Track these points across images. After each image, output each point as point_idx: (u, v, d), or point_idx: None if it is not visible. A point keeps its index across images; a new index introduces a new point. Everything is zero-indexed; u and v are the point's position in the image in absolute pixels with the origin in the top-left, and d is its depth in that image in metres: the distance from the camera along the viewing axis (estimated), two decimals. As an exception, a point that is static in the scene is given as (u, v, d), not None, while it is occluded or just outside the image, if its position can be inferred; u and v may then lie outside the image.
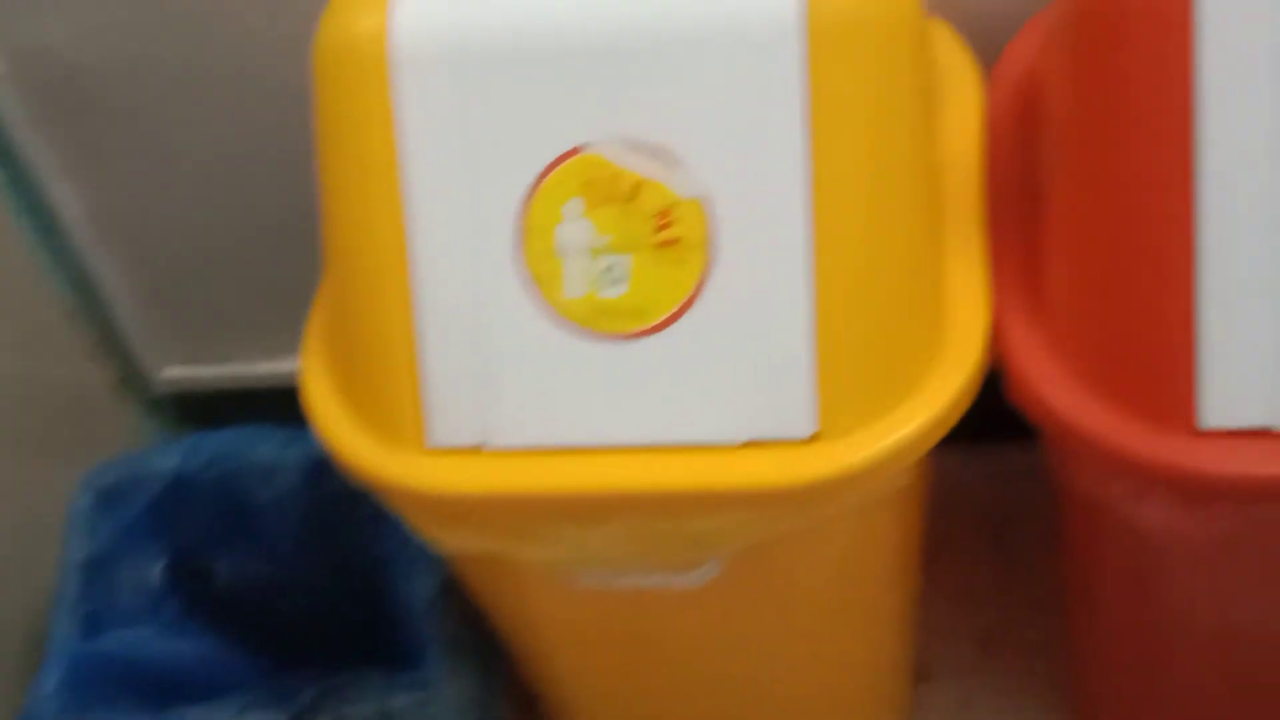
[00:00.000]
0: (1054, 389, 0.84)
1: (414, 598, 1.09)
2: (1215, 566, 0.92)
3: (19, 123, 1.25)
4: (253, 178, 1.28)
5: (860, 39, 0.79)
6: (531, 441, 0.86)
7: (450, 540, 0.92)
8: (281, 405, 1.04)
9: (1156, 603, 0.99)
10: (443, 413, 0.86)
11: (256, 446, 1.18)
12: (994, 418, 0.87)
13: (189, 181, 1.31)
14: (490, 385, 0.85)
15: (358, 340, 0.89)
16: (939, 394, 0.85)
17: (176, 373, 1.50)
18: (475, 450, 0.86)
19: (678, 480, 0.84)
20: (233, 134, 1.26)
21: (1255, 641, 1.00)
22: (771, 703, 1.16)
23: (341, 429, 0.90)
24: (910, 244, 0.84)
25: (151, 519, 1.19)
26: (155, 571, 1.20)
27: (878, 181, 0.82)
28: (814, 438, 0.83)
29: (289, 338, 1.01)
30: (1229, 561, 0.91)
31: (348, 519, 1.14)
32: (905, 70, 0.82)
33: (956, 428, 0.86)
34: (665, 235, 0.82)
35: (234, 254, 1.38)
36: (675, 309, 0.83)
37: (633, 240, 0.82)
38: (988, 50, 1.00)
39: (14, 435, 1.33)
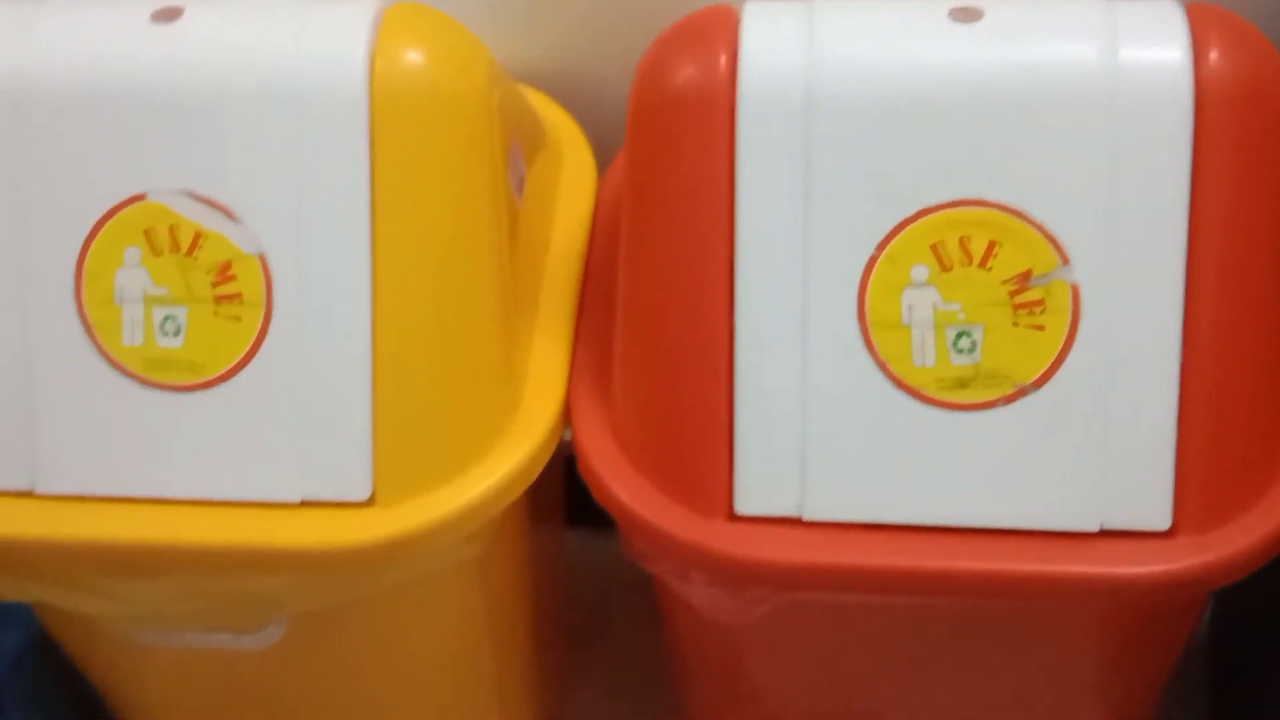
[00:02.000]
0: (613, 473, 0.86)
1: (1, 654, 1.05)
2: (773, 650, 0.95)
3: None
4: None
5: (426, 108, 0.81)
6: (81, 488, 0.84)
7: (3, 586, 0.89)
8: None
9: (736, 686, 1.02)
10: (-14, 455, 0.84)
11: None
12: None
13: None
14: (42, 430, 0.84)
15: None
16: (501, 465, 0.86)
17: None
18: (23, 494, 0.84)
19: (226, 535, 0.83)
20: None
21: (835, 714, 1.03)
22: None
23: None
24: (480, 318, 0.85)
25: None
26: None
27: (444, 253, 0.83)
28: (370, 501, 0.83)
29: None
30: (784, 644, 0.94)
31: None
32: (476, 141, 0.83)
33: None
34: (225, 290, 0.82)
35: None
36: (233, 364, 0.83)
37: (191, 293, 0.82)
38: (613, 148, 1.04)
39: None
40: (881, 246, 0.79)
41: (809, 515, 0.81)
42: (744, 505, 0.82)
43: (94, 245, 0.82)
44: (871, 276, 0.79)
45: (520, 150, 0.92)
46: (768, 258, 0.80)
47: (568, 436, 0.93)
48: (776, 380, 0.81)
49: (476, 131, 0.83)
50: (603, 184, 1.02)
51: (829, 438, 0.81)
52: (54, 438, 0.84)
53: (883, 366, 0.80)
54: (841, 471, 0.81)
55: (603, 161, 1.05)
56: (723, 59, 0.78)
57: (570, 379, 0.90)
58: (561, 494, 1.27)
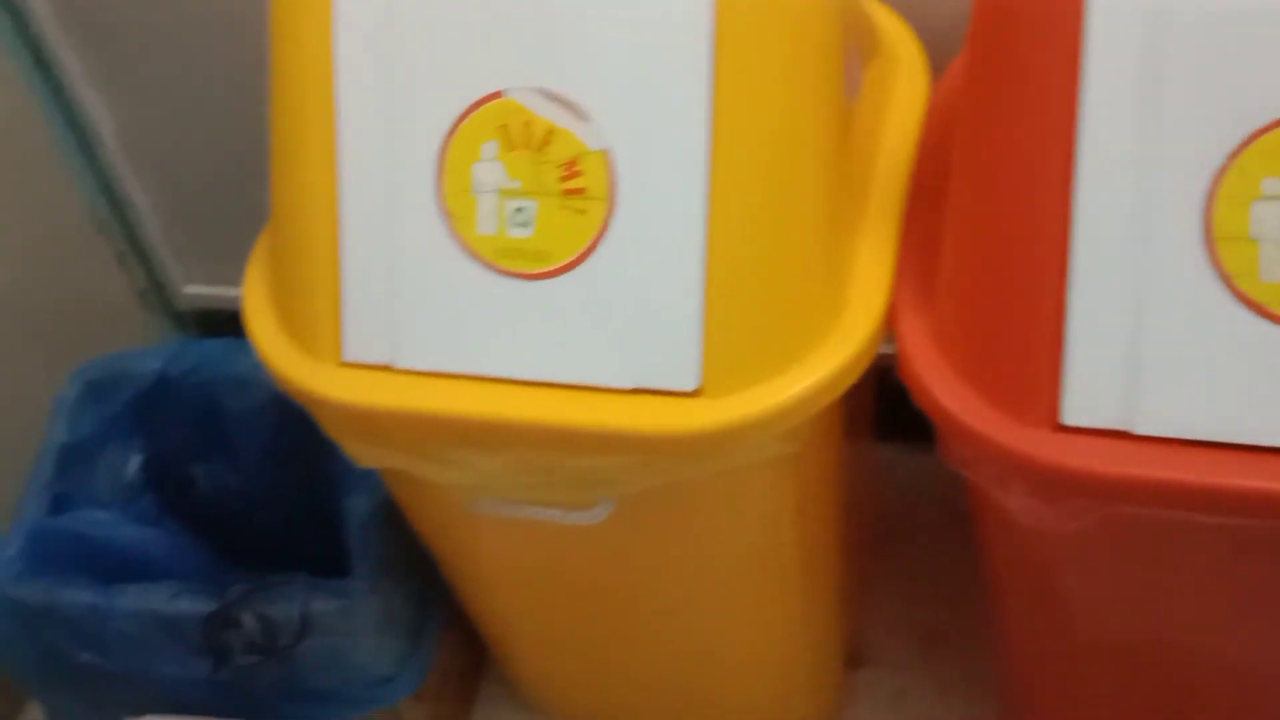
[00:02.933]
0: (934, 376, 0.87)
1: (352, 514, 1.15)
2: (1090, 566, 0.94)
3: (58, 38, 1.34)
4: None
5: (766, 12, 0.83)
6: (434, 365, 0.91)
7: (361, 452, 0.97)
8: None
9: (1048, 602, 1.01)
10: (357, 330, 0.92)
11: (234, 359, 1.25)
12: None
13: (218, 103, 1.38)
14: (401, 308, 0.90)
15: (291, 260, 0.95)
16: (823, 364, 0.88)
17: (198, 290, 1.59)
18: (383, 368, 0.92)
19: (562, 416, 0.88)
20: (265, 59, 1.33)
21: (1144, 644, 1.01)
22: (688, 659, 1.19)
23: (274, 344, 0.96)
24: (811, 218, 0.87)
25: (132, 416, 1.27)
26: (130, 466, 1.28)
27: (779, 151, 0.85)
28: (696, 392, 0.87)
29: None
30: (1102, 561, 0.93)
31: (308, 436, 1.19)
32: (816, 42, 0.85)
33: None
34: (572, 184, 0.87)
35: (260, 179, 1.46)
36: (576, 255, 0.87)
37: (541, 186, 0.87)
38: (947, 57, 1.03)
39: (40, 335, 1.42)
40: (1232, 158, 0.76)
41: (1140, 429, 0.80)
42: (1071, 415, 0.81)
43: (455, 139, 0.88)
44: (1219, 188, 0.77)
45: (856, 54, 0.93)
46: (1110, 167, 0.78)
47: (884, 349, 0.95)
48: (1112, 290, 0.79)
49: (815, 33, 0.84)
50: (935, 92, 1.02)
51: (1165, 351, 0.79)
52: (412, 317, 0.91)
53: (1227, 281, 0.77)
54: (1176, 387, 0.79)
55: (936, 70, 1.04)
56: (1074, -40, 0.77)
57: (894, 283, 0.91)
58: (874, 403, 1.29)
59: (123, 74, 1.38)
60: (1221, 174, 0.77)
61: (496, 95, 0.87)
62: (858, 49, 0.95)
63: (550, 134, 0.86)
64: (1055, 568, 0.96)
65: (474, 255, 0.89)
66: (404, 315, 0.91)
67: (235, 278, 1.63)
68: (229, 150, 1.42)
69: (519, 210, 0.88)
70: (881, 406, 1.30)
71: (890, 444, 1.39)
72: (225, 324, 1.58)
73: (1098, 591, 0.98)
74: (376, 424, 0.93)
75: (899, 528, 1.45)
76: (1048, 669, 1.14)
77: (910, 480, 1.45)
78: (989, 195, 0.84)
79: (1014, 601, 1.06)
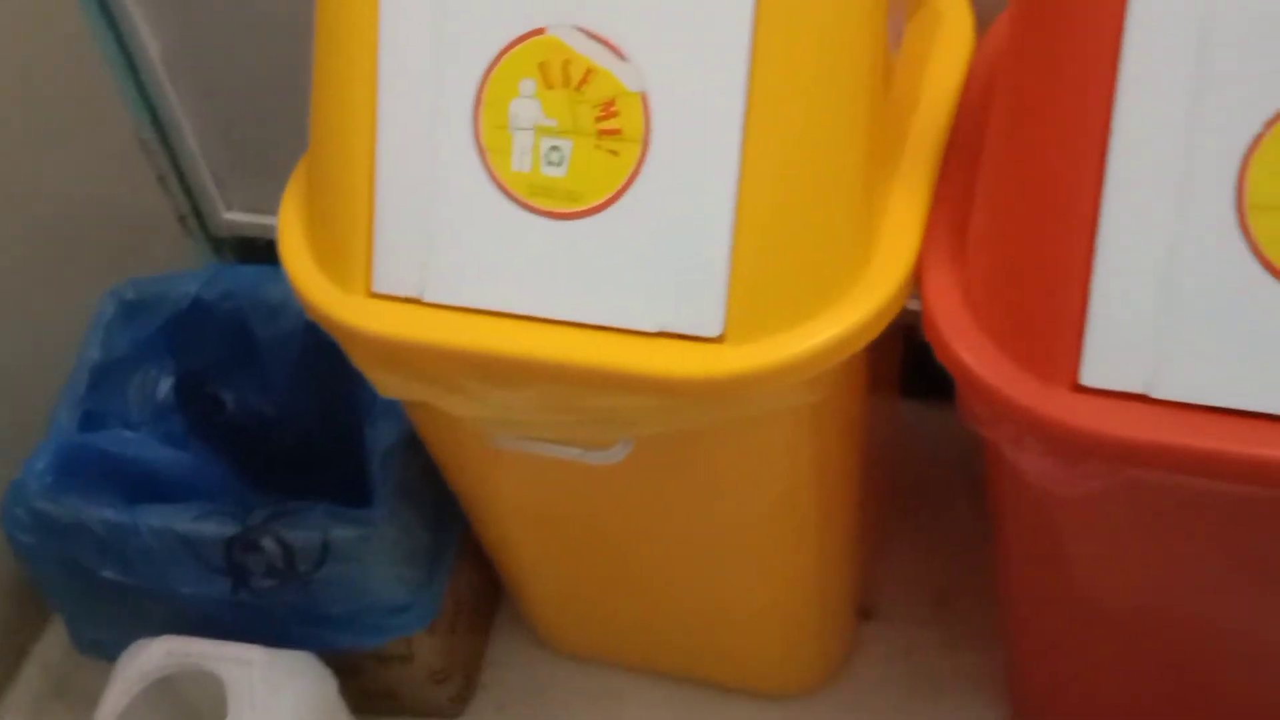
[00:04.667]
0: (957, 330, 0.87)
1: (376, 443, 1.16)
2: (1102, 530, 0.94)
3: (107, -44, 1.35)
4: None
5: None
6: (462, 300, 0.91)
7: (386, 383, 0.98)
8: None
9: (1058, 564, 1.02)
10: (388, 262, 0.93)
11: (267, 285, 1.26)
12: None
13: (264, 29, 1.39)
14: (433, 242, 0.91)
15: (326, 190, 0.96)
16: (848, 315, 0.88)
17: (237, 217, 1.60)
18: (412, 301, 0.93)
19: (585, 357, 0.89)
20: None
21: (1151, 609, 1.02)
22: (699, 604, 1.21)
23: (306, 272, 0.97)
24: (845, 168, 0.87)
25: (166, 338, 1.28)
26: (161, 387, 1.29)
27: (817, 99, 0.85)
28: (720, 338, 0.88)
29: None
30: (1114, 526, 0.93)
31: (335, 365, 1.21)
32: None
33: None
34: (607, 125, 0.87)
35: (303, 108, 1.47)
36: (608, 196, 0.88)
37: (577, 125, 0.87)
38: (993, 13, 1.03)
39: (80, 253, 1.44)
40: (1269, 125, 0.76)
41: (1159, 393, 0.80)
42: (1090, 377, 0.82)
43: (494, 74, 0.88)
44: (1254, 157, 0.77)
45: (900, 5, 0.92)
46: (1147, 130, 0.78)
47: (911, 305, 0.95)
48: (1140, 253, 0.79)
49: (864, -14, 0.84)
50: (979, 47, 1.01)
51: (1190, 316, 0.79)
52: (442, 251, 0.91)
53: (1256, 250, 0.77)
54: (1199, 352, 0.79)
55: (981, 25, 1.04)
56: (1121, -82, 0.76)
57: (925, 237, 0.92)
58: (898, 360, 1.29)
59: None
60: (1257, 143, 0.76)
61: (538, 32, 0.87)
62: (904, 2, 0.95)
63: (589, 73, 0.86)
64: (1067, 530, 0.97)
65: (507, 192, 0.89)
66: (435, 249, 0.91)
67: (274, 206, 1.64)
68: (273, 76, 1.42)
69: (553, 149, 0.88)
70: (908, 364, 1.31)
71: (915, 402, 1.40)
72: (263, 251, 1.60)
73: (1108, 555, 0.98)
74: (403, 356, 0.94)
75: (918, 486, 1.45)
76: (1055, 631, 1.14)
77: (933, 439, 1.45)
78: (1025, 152, 0.84)
79: (1024, 563, 1.07)
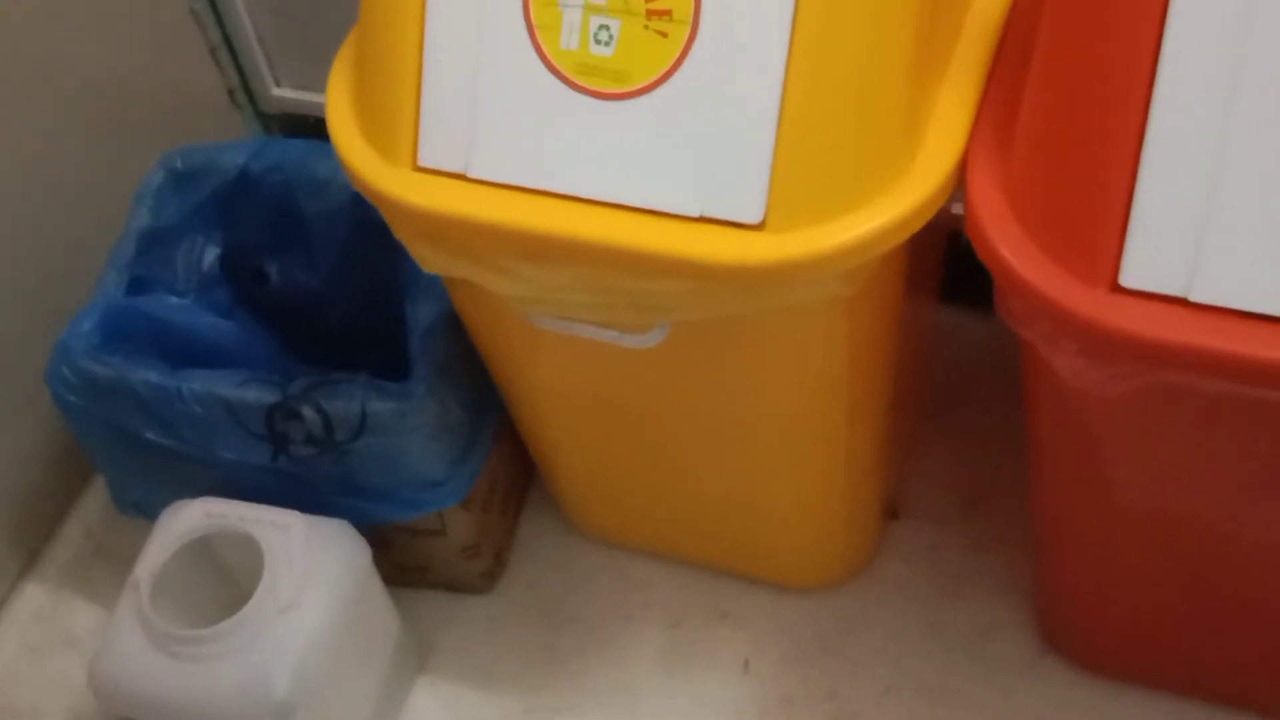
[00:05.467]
0: (999, 228, 0.87)
1: (417, 320, 1.18)
2: (1134, 434, 0.95)
3: None
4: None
5: None
6: (506, 177, 0.92)
7: (430, 258, 0.99)
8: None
9: (1089, 467, 1.02)
10: (434, 137, 0.93)
11: (315, 160, 1.27)
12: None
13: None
14: (479, 118, 0.92)
15: (375, 64, 0.96)
16: (889, 209, 0.88)
17: (285, 94, 1.61)
18: (457, 176, 0.93)
19: (627, 238, 0.89)
20: None
21: (1179, 517, 1.03)
22: (729, 495, 1.22)
23: (353, 144, 0.98)
24: (894, 57, 0.87)
25: (214, 208, 1.30)
26: (207, 256, 1.31)
27: (867, -8, 0.85)
28: (760, 225, 0.88)
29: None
30: (1146, 429, 0.94)
31: (379, 241, 1.22)
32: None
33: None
34: (656, 5, 0.87)
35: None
36: (655, 78, 0.88)
37: (627, 5, 0.87)
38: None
39: (130, 121, 1.45)
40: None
41: (1196, 297, 0.80)
42: (1129, 278, 0.82)
43: (545, -51, 0.88)
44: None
45: (958, -102, 0.91)
46: (1200, 30, 0.77)
47: (955, 210, 0.95)
48: (1188, 155, 0.79)
49: None
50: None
51: (1233, 222, 0.79)
52: (489, 128, 0.92)
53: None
54: (1239, 258, 0.79)
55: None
56: None
57: (972, 134, 0.91)
58: (940, 264, 1.29)
59: None
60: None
61: (591, -92, 0.87)
62: (958, -107, 0.94)
63: (640, -48, 0.86)
64: (1100, 433, 0.97)
65: (554, 70, 0.90)
66: (480, 125, 0.92)
67: (323, 84, 1.64)
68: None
69: (602, 27, 0.88)
70: (949, 269, 1.31)
71: (955, 308, 1.40)
72: (311, 129, 1.61)
73: (1140, 460, 0.99)
74: (446, 230, 0.95)
75: (954, 391, 1.46)
76: (1084, 537, 1.15)
77: (971, 346, 1.45)
78: (1075, 55, 0.83)
79: (1057, 466, 1.08)
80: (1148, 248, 0.81)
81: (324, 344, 1.32)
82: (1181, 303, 0.81)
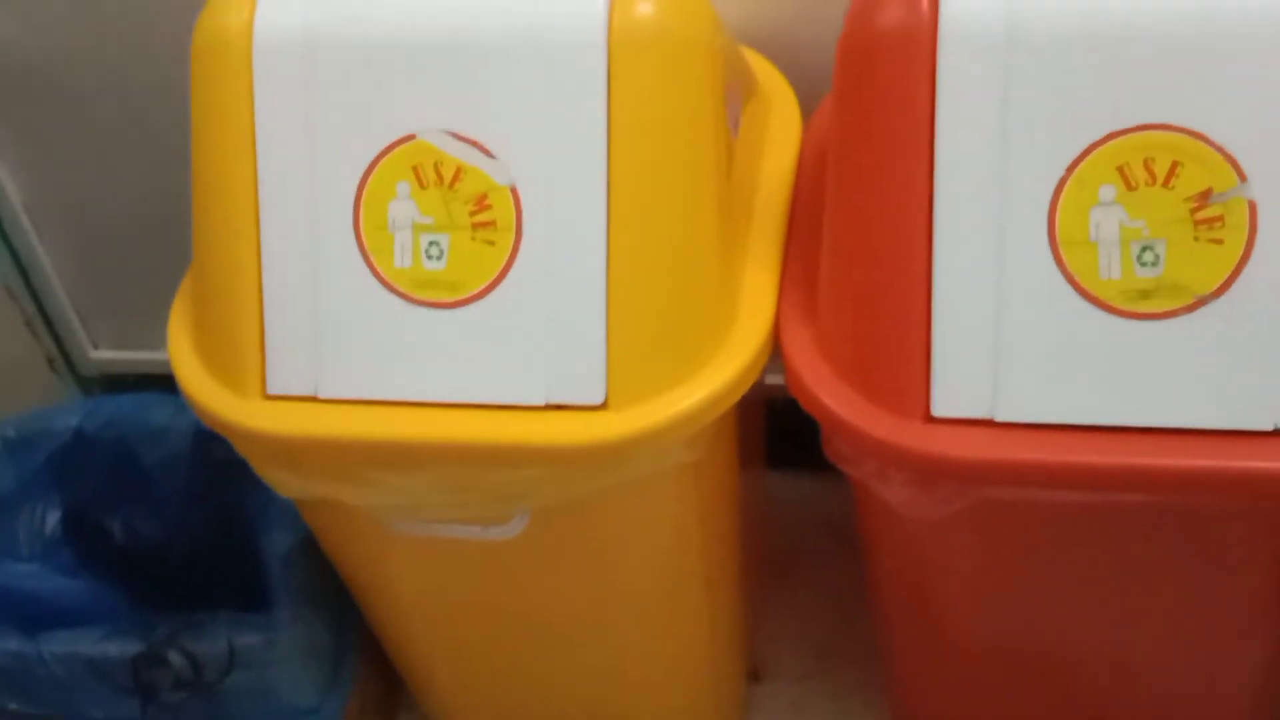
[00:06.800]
0: (817, 379, 0.96)
1: (273, 550, 1.19)
2: (965, 554, 1.03)
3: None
4: (187, 169, 1.42)
5: (657, 51, 0.92)
6: (357, 393, 0.97)
7: (288, 482, 1.03)
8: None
9: (928, 599, 1.10)
10: (281, 364, 0.98)
11: (150, 411, 1.29)
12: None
13: (124, 171, 1.43)
14: (324, 341, 0.97)
15: (215, 303, 1.00)
16: (719, 374, 0.96)
17: (105, 355, 1.62)
18: (308, 399, 0.98)
19: (481, 433, 0.95)
20: (168, 127, 1.38)
21: (1017, 639, 1.10)
22: (599, 676, 1.26)
23: (201, 383, 1.02)
24: (701, 242, 0.96)
25: (50, 471, 1.30)
26: (49, 520, 1.31)
27: (670, 181, 0.94)
28: (604, 405, 0.94)
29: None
30: (975, 548, 1.02)
31: (228, 480, 1.24)
32: (700, 82, 0.94)
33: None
34: (481, 218, 0.94)
35: (164, 244, 1.50)
36: (488, 283, 0.95)
37: (453, 220, 0.94)
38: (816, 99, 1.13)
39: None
40: (1071, 169, 0.87)
41: (1001, 416, 0.89)
42: (940, 408, 0.91)
43: (371, 179, 0.95)
44: (1062, 197, 0.87)
45: (736, 95, 1.02)
46: (965, 180, 0.88)
47: (770, 380, 1.03)
48: (972, 292, 0.89)
49: (701, 71, 0.93)
50: (807, 129, 1.12)
51: (1021, 345, 0.89)
52: (334, 349, 0.97)
53: (1071, 280, 0.87)
54: (1032, 376, 0.89)
55: (806, 109, 1.14)
56: (925, 1, 0.87)
57: (780, 300, 1.00)
58: (764, 430, 1.38)
59: (29, 142, 1.42)
60: (1063, 184, 0.87)
61: (409, 138, 0.94)
62: (738, 91, 1.04)
63: (460, 172, 0.94)
64: (935, 557, 1.05)
65: (391, 288, 0.96)
66: (326, 348, 0.97)
67: (141, 341, 1.67)
68: (134, 217, 1.47)
69: (433, 244, 0.95)
70: (774, 437, 1.40)
71: (782, 472, 1.48)
72: (132, 387, 1.62)
73: (973, 578, 1.06)
74: (303, 452, 0.99)
75: (792, 551, 1.53)
76: (930, 672, 1.22)
77: (801, 506, 1.53)
78: (859, 214, 0.93)
79: (897, 603, 1.15)
80: (951, 380, 0.90)
81: (179, 587, 1.31)
82: (989, 424, 0.90)
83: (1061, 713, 1.21)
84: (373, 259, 0.96)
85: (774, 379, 1.02)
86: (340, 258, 0.96)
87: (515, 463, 0.96)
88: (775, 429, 1.37)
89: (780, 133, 1.12)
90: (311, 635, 1.19)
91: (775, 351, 1.00)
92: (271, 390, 0.98)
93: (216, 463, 1.25)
